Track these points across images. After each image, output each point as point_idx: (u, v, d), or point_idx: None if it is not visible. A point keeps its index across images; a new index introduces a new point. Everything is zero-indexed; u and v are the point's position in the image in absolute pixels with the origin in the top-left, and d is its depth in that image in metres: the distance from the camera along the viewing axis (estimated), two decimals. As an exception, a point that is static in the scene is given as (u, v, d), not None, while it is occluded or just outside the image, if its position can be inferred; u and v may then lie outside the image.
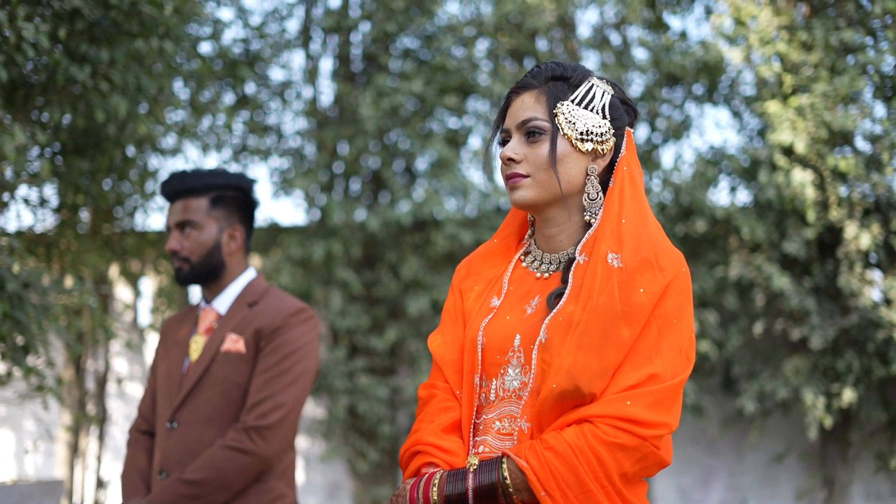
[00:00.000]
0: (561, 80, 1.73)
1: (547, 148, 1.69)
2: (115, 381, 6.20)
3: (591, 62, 7.50)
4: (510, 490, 1.57)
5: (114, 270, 6.69)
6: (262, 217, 7.39)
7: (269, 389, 2.55)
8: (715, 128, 12.54)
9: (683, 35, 7.12)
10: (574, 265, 1.67)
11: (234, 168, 6.98)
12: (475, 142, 7.27)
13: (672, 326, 1.61)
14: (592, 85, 1.74)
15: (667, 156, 10.92)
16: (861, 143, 6.41)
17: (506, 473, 1.58)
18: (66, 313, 4.27)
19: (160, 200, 5.49)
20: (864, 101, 6.35)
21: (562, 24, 7.33)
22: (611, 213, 1.67)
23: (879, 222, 6.19)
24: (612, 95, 1.75)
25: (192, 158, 6.45)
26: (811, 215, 6.13)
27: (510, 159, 1.72)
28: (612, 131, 1.73)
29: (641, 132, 7.16)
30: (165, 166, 5.83)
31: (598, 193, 1.72)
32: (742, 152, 6.72)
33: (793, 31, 6.42)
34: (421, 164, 7.34)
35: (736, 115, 7.08)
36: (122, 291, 7.50)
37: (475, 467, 1.62)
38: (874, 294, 6.44)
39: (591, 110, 1.72)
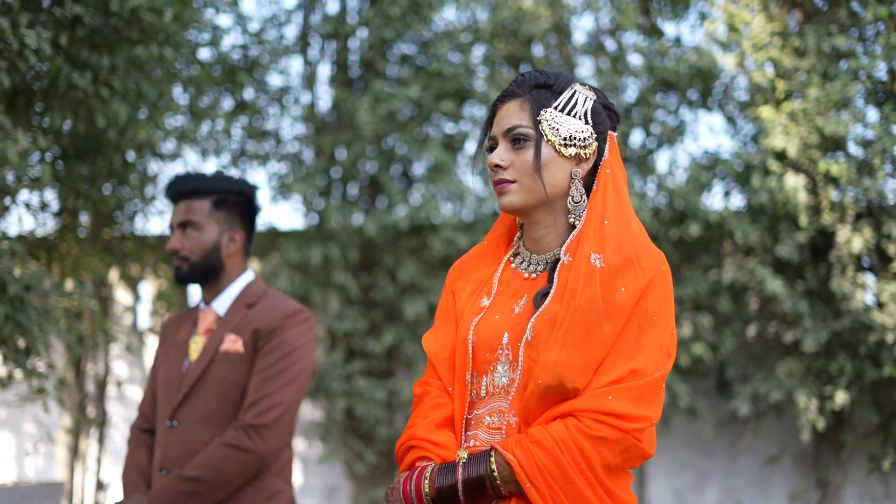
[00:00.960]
0: (544, 88, 1.79)
1: (532, 154, 1.75)
2: (115, 384, 6.23)
3: (586, 68, 7.55)
4: (497, 482, 1.63)
5: (114, 274, 6.72)
6: (260, 221, 7.43)
7: (267, 388, 2.61)
8: (709, 133, 12.61)
9: (678, 41, 7.17)
10: (559, 265, 1.73)
11: (233, 173, 7.01)
12: (471, 147, 7.29)
13: (653, 323, 1.66)
14: (575, 91, 1.79)
15: (661, 161, 10.88)
16: (853, 148, 6.45)
17: (493, 466, 1.63)
18: (66, 316, 4.29)
19: (160, 205, 5.54)
20: (856, 106, 6.38)
21: (557, 30, 7.38)
22: (594, 215, 1.72)
23: (871, 226, 6.23)
24: (595, 101, 1.80)
25: (192, 163, 6.51)
26: (804, 219, 6.17)
27: (497, 166, 1.77)
28: (595, 136, 1.78)
29: (636, 137, 7.20)
30: (165, 171, 5.87)
31: (581, 196, 1.77)
32: (735, 157, 6.76)
33: (786, 37, 6.47)
34: (418, 168, 7.38)
35: (729, 120, 7.11)
36: (121, 295, 7.54)
37: (464, 460, 1.67)
38: (866, 297, 6.47)
39: (574, 116, 1.77)
